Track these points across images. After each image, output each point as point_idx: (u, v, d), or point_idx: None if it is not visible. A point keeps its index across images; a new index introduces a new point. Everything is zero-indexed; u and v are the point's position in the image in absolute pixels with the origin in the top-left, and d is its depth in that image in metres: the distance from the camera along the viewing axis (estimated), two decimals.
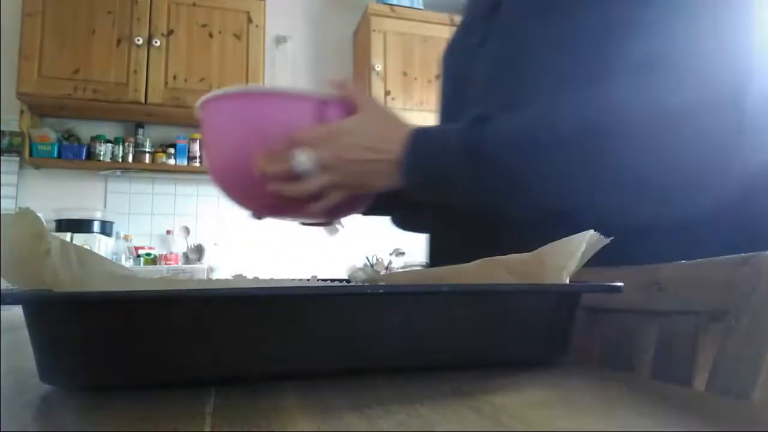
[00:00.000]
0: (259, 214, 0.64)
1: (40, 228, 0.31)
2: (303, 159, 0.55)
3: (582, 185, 0.51)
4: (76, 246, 0.38)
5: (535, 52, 0.57)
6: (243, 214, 0.63)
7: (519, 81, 0.59)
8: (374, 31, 2.80)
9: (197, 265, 2.60)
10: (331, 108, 0.57)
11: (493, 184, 0.53)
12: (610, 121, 0.48)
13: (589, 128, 0.49)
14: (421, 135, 0.56)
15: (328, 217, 0.64)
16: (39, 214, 0.32)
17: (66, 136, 2.62)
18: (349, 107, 0.58)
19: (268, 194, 0.56)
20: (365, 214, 0.72)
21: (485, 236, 0.59)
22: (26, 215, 0.32)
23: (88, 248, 0.40)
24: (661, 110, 0.47)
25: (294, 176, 0.56)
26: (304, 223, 0.65)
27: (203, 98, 0.59)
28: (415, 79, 2.82)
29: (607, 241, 0.37)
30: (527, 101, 0.54)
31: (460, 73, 0.69)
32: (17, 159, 2.53)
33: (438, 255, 0.69)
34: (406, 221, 0.79)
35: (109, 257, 2.48)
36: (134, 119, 2.70)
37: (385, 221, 0.79)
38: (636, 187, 0.50)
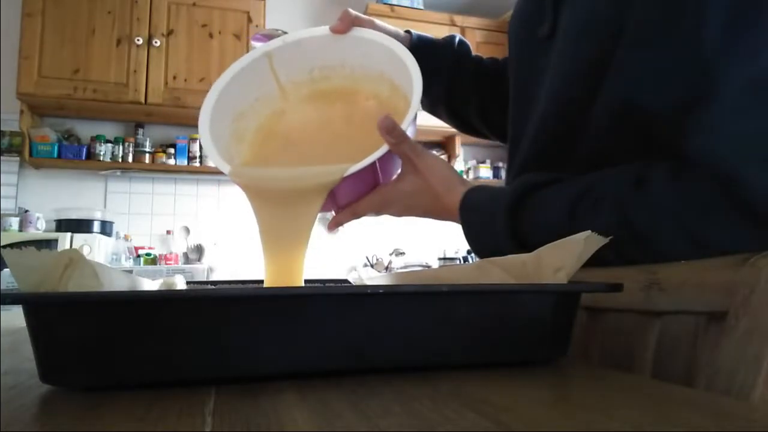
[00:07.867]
0: None
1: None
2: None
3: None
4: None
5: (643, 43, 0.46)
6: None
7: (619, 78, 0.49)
8: None
9: (197, 265, 2.60)
10: (384, 162, 0.57)
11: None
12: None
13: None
14: (473, 214, 0.57)
15: None
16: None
17: (66, 136, 2.62)
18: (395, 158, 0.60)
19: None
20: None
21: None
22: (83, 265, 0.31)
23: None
24: None
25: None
26: None
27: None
28: None
29: (606, 240, 0.37)
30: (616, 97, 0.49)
31: (524, 72, 0.63)
32: (17, 159, 2.53)
33: None
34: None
35: (109, 257, 2.48)
36: (134, 119, 2.70)
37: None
38: None
